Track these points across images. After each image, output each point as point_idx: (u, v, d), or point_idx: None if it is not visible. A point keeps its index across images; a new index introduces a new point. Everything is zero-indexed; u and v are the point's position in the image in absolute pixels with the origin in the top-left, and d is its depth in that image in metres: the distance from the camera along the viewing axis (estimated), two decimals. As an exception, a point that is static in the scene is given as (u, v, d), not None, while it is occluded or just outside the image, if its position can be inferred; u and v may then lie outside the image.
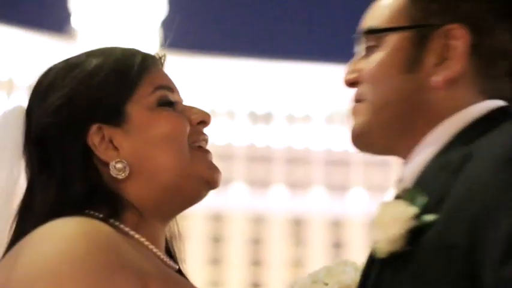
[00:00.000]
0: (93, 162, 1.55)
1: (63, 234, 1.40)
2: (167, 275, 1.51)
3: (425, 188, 1.35)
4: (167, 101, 1.60)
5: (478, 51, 1.47)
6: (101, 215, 1.50)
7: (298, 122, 78.17)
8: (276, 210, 71.79)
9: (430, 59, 1.47)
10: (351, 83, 1.55)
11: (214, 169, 1.61)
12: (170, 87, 1.63)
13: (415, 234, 1.31)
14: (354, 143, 1.54)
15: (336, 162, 75.53)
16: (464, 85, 1.47)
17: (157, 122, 1.57)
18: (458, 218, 1.26)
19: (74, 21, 78.93)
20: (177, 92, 1.65)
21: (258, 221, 72.19)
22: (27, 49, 70.97)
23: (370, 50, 1.53)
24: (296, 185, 73.91)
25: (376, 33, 1.52)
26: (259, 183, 70.86)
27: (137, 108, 1.58)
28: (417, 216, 1.32)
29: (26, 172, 1.58)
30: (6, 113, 1.62)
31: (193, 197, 1.60)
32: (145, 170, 1.55)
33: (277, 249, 70.21)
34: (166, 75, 1.65)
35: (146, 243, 1.53)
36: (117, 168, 1.54)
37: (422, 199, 1.34)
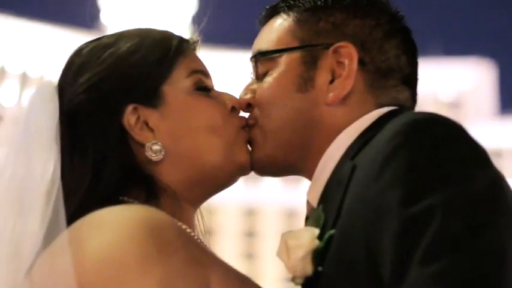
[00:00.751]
0: (128, 143, 1.53)
1: (128, 223, 1.34)
2: (221, 261, 1.47)
3: (328, 206, 1.39)
4: (203, 85, 1.60)
5: (367, 67, 1.52)
6: (137, 202, 1.46)
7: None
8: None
9: (322, 78, 1.51)
10: (247, 106, 1.58)
11: (248, 154, 1.60)
12: (205, 72, 1.63)
13: (322, 254, 1.34)
14: (257, 171, 1.58)
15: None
16: (357, 99, 1.51)
17: (193, 108, 1.57)
18: (351, 230, 1.29)
19: (104, 17, 79.22)
20: (210, 77, 1.64)
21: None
22: (57, 45, 71.50)
23: (262, 73, 1.56)
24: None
25: (265, 56, 1.56)
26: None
27: (173, 90, 1.57)
28: (319, 237, 1.36)
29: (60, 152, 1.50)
30: (38, 91, 1.57)
31: (227, 181, 1.60)
32: (181, 153, 1.54)
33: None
34: (200, 60, 1.65)
35: (185, 227, 1.49)
36: (153, 150, 1.52)
37: (322, 219, 1.38)
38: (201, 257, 1.39)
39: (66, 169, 1.48)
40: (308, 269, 1.36)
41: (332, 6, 1.56)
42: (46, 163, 1.46)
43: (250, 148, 1.59)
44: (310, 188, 1.49)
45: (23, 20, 77.13)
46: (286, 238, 1.39)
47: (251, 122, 1.58)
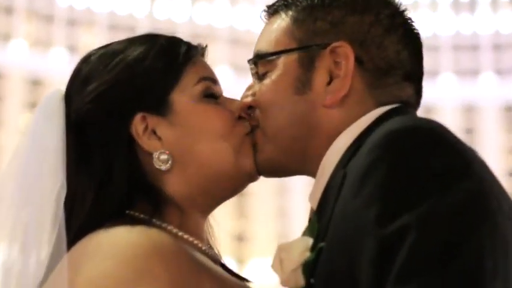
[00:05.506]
0: (135, 152, 1.52)
1: (133, 251, 1.35)
2: (219, 276, 1.50)
3: (322, 215, 1.37)
4: (212, 93, 1.59)
5: (366, 65, 1.48)
6: (143, 216, 1.47)
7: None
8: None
9: (320, 79, 1.48)
10: (247, 107, 1.57)
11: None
12: (213, 79, 1.61)
13: (314, 266, 1.33)
14: (260, 172, 1.58)
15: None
16: (356, 99, 1.48)
17: (202, 115, 1.55)
18: (336, 244, 1.28)
19: None
20: (219, 83, 1.63)
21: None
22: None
23: (262, 75, 1.54)
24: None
25: (263, 58, 1.53)
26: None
27: (182, 98, 1.56)
28: (312, 247, 1.35)
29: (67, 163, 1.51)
30: (45, 100, 1.57)
31: (235, 188, 1.60)
32: (189, 162, 1.54)
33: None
34: (209, 67, 1.63)
35: (191, 239, 1.51)
36: (160, 159, 1.52)
37: (315, 228, 1.37)
38: (197, 283, 1.40)
39: (72, 180, 1.48)
40: (300, 281, 1.35)
41: (329, 4, 1.52)
42: (52, 182, 1.47)
43: (253, 150, 1.58)
44: (312, 191, 1.48)
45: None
46: (279, 250, 1.39)
47: (253, 123, 1.57)
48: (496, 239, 1.18)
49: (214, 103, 1.59)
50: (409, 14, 1.56)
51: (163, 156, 1.52)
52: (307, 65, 1.50)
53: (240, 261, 62.64)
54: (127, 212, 1.47)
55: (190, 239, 1.51)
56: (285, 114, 1.50)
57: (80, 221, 1.44)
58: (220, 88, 1.63)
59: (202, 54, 1.65)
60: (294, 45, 1.52)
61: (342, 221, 1.26)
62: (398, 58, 1.51)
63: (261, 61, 1.55)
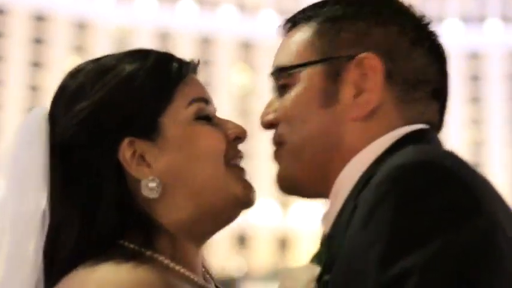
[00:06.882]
0: (124, 179, 1.44)
1: None
2: None
3: (333, 243, 1.33)
4: (204, 114, 1.51)
5: (395, 78, 1.42)
6: (133, 246, 1.40)
7: None
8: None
9: (347, 91, 1.42)
10: (270, 125, 1.49)
11: (250, 188, 1.53)
12: (206, 99, 1.53)
13: None
14: (280, 189, 1.50)
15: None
16: (383, 113, 1.42)
17: (194, 138, 1.48)
18: (342, 279, 1.23)
19: None
20: (212, 102, 1.54)
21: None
22: None
23: (283, 89, 1.48)
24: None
25: (285, 72, 1.47)
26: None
27: (172, 121, 1.47)
28: (320, 277, 1.32)
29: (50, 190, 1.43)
30: (27, 121, 1.48)
31: (229, 216, 1.52)
32: (180, 189, 1.46)
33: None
34: (201, 85, 1.55)
35: (182, 271, 1.44)
36: (149, 187, 1.44)
37: (324, 256, 1.33)
38: None
39: (56, 208, 1.42)
40: None
41: (353, 15, 1.45)
42: (35, 206, 1.42)
43: (278, 166, 1.49)
44: (325, 213, 1.42)
45: None
46: (284, 278, 1.35)
47: (276, 139, 1.48)
48: (503, 279, 1.13)
49: (206, 125, 1.51)
50: (434, 27, 1.49)
51: (152, 184, 1.44)
52: (333, 77, 1.43)
53: (284, 204, 63.47)
54: (117, 241, 1.41)
55: (182, 270, 1.44)
56: (309, 127, 1.43)
57: (66, 252, 1.39)
58: (213, 108, 1.55)
59: (195, 71, 1.56)
60: (317, 58, 1.45)
61: (348, 257, 1.22)
62: (426, 72, 1.44)
63: (282, 75, 1.47)
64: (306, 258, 1.40)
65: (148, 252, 1.40)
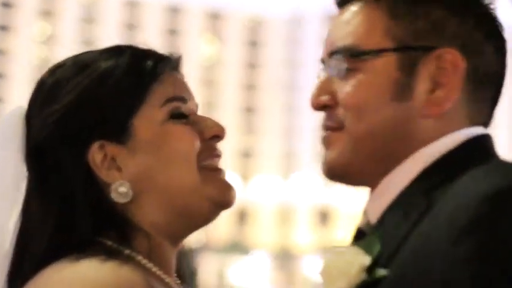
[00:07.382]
0: (97, 181, 1.41)
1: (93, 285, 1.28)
2: None
3: (386, 233, 1.28)
4: (179, 113, 1.45)
5: (469, 75, 1.35)
6: (111, 243, 1.38)
7: None
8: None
9: (423, 86, 1.34)
10: (323, 107, 1.39)
11: (226, 188, 1.48)
12: (183, 97, 1.47)
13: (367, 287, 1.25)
14: (327, 175, 1.40)
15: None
16: (454, 112, 1.35)
17: (166, 140, 1.43)
18: (410, 280, 1.19)
19: None
20: (192, 99, 1.49)
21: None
22: None
23: (345, 72, 1.37)
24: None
25: (356, 56, 1.36)
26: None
27: (144, 123, 1.43)
28: (369, 268, 1.26)
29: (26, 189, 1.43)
30: (4, 121, 1.47)
31: (205, 218, 1.47)
32: (152, 192, 1.42)
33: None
34: (180, 82, 1.49)
35: (158, 273, 1.41)
36: (119, 192, 1.41)
37: (376, 248, 1.27)
38: None
39: (30, 206, 1.41)
40: None
41: (431, 1, 1.36)
42: (9, 212, 1.42)
43: (326, 150, 1.41)
44: (370, 203, 1.35)
45: None
46: (332, 260, 1.28)
47: (332, 124, 1.39)
48: None
49: (180, 124, 1.46)
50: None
51: (122, 189, 1.41)
52: (408, 68, 1.34)
53: (245, 177, 63.32)
54: (95, 238, 1.39)
55: (158, 272, 1.41)
56: (379, 118, 1.34)
57: (39, 248, 1.38)
58: (193, 104, 1.50)
59: (176, 68, 1.50)
60: (392, 45, 1.35)
61: (428, 261, 1.17)
62: (494, 71, 1.38)
63: (349, 57, 1.36)
64: (265, 231, 1.37)
65: (127, 251, 1.39)
